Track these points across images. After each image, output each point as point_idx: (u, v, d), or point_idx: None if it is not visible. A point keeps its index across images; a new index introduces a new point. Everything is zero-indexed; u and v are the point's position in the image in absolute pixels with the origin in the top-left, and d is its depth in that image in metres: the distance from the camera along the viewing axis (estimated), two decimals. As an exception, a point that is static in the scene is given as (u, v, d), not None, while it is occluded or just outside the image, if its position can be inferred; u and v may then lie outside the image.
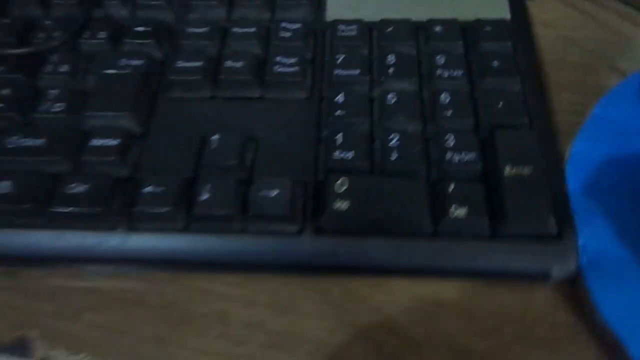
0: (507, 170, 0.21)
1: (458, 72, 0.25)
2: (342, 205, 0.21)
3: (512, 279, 0.21)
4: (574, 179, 0.23)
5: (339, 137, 0.23)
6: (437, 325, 0.21)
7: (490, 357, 0.20)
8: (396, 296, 0.22)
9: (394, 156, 0.22)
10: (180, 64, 0.26)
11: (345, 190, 0.21)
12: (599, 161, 0.23)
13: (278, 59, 0.25)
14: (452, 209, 0.20)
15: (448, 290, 0.22)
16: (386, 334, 0.21)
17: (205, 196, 0.21)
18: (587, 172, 0.23)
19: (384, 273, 0.21)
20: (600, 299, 0.20)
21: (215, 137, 0.23)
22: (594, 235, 0.21)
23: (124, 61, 0.26)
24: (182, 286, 0.22)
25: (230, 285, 0.22)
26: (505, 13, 0.28)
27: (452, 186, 0.21)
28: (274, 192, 0.21)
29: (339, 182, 0.21)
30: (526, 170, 0.21)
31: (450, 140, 0.22)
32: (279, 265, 0.21)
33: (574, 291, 0.21)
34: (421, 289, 0.22)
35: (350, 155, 0.22)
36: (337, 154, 0.22)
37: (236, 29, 0.27)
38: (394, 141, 0.22)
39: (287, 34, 0.26)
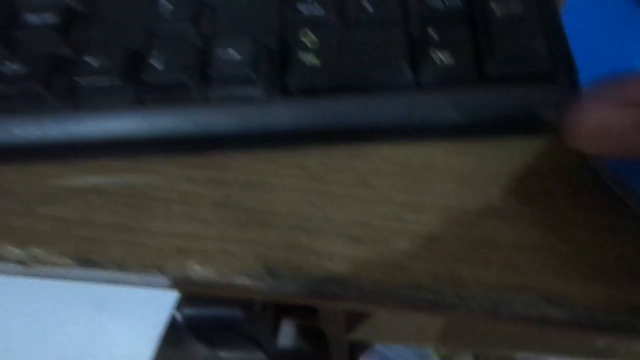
0: (494, 7, 0.18)
1: None
2: (311, 60, 0.18)
3: (505, 131, 0.19)
4: (573, 18, 0.20)
5: (306, -9, 0.20)
6: (426, 190, 0.19)
7: (483, 217, 0.18)
8: (380, 164, 0.20)
9: (368, 7, 0.19)
10: None
11: (314, 45, 0.18)
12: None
13: None
14: (435, 54, 0.18)
15: (436, 153, 0.19)
16: (370, 202, 0.19)
17: (156, 63, 0.19)
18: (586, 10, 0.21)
19: (365, 138, 0.19)
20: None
21: (165, 2, 0.21)
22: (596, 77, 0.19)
23: None
24: (142, 171, 0.20)
25: (194, 166, 0.20)
26: None
27: (433, 30, 0.18)
28: (235, 54, 0.19)
29: (307, 36, 0.19)
30: (515, 6, 0.19)
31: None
32: (248, 135, 0.19)
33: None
34: (407, 154, 0.19)
35: (318, 8, 0.19)
36: (302, 7, 0.19)
37: None
38: (367, -9, 0.20)
39: None
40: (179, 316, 0.30)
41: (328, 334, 0.42)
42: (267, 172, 0.20)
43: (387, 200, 0.19)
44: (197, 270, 0.18)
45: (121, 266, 0.19)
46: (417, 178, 0.19)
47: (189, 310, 0.29)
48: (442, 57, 0.18)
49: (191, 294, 0.30)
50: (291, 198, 0.19)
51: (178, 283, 0.18)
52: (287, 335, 0.72)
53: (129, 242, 0.19)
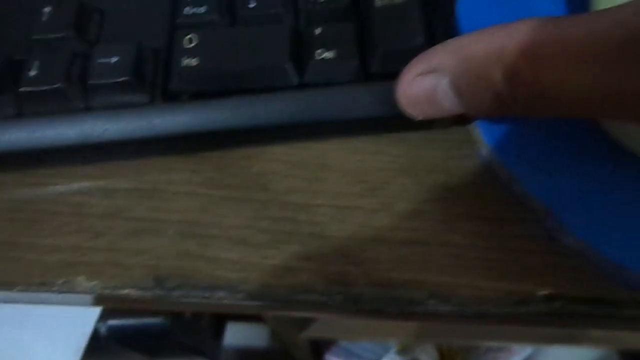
0: (377, 1, 0.18)
1: None
2: (191, 62, 0.18)
3: (395, 127, 0.19)
4: (467, 12, 0.20)
5: (190, -8, 0.20)
6: (320, 190, 0.18)
7: (375, 215, 0.18)
8: (275, 165, 0.19)
9: (252, 4, 0.19)
10: None
11: (195, 45, 0.18)
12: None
13: None
14: (319, 52, 0.18)
15: (330, 152, 0.19)
16: (265, 204, 0.18)
17: (33, 72, 0.18)
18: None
19: (254, 140, 0.19)
20: (488, 135, 0.18)
21: (47, 8, 0.20)
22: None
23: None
24: (31, 184, 0.19)
25: (86, 177, 0.19)
26: None
27: (318, 27, 0.18)
28: (114, 58, 0.18)
29: (187, 37, 0.18)
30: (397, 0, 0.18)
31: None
32: (133, 142, 0.19)
33: (462, 134, 0.18)
34: (302, 154, 0.19)
35: (201, 9, 0.19)
36: (186, 10, 0.19)
37: None
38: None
39: None
40: (103, 329, 0.29)
41: (277, 334, 0.41)
42: (159, 180, 0.19)
43: (281, 203, 0.18)
44: (84, 284, 0.17)
45: (6, 284, 0.18)
46: (312, 178, 0.19)
47: (113, 322, 0.29)
48: (326, 55, 0.17)
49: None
50: (184, 205, 0.19)
51: (65, 299, 0.18)
52: (253, 336, 0.72)
53: (14, 258, 0.18)
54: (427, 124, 0.18)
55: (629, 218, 0.16)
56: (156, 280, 0.17)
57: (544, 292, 0.16)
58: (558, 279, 0.16)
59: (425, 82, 0.15)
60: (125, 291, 0.17)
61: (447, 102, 0.15)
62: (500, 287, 0.16)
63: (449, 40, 0.16)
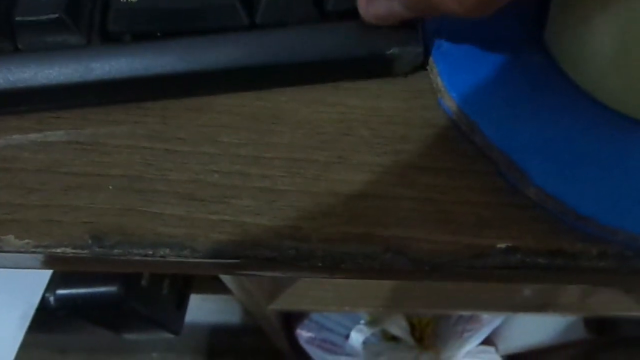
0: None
1: None
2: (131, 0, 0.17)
3: (352, 74, 0.17)
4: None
5: None
6: (272, 143, 0.17)
7: (329, 168, 0.17)
8: (224, 118, 0.18)
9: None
10: None
11: (135, -19, 0.17)
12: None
13: None
14: (270, -10, 0.16)
15: (283, 103, 0.18)
16: (213, 158, 0.17)
17: (-48, 10, 0.17)
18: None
19: (202, 87, 0.17)
20: (451, 84, 0.17)
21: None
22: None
23: None
24: (-44, 137, 0.18)
25: (18, 129, 0.18)
26: None
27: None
28: (46, -4, 0.17)
29: (126, -28, 0.17)
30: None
31: None
32: (68, 88, 0.17)
33: (423, 84, 0.18)
34: (253, 104, 0.18)
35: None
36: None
37: None
38: None
39: None
40: (52, 298, 0.28)
41: (246, 306, 0.41)
42: (99, 132, 0.18)
43: (231, 156, 0.17)
44: (14, 242, 0.16)
45: None
46: (264, 131, 0.18)
47: (62, 291, 0.27)
48: (276, -7, 0.16)
49: (65, 273, 0.28)
50: (125, 159, 0.17)
51: (-5, 259, 0.16)
52: (220, 310, 0.71)
53: (-64, 217, 0.17)
54: (387, 70, 0.17)
55: (592, 167, 0.15)
56: (94, 238, 0.16)
57: (502, 245, 0.15)
58: (517, 231, 0.16)
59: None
60: (60, 250, 0.16)
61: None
62: (458, 240, 0.16)
63: None
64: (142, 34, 0.17)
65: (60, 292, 0.28)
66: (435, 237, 0.16)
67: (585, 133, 0.15)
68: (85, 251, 0.16)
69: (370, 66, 0.17)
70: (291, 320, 0.66)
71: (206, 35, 0.16)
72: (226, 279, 0.35)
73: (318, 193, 0.16)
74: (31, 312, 0.25)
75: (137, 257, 0.16)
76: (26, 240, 0.16)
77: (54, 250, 0.16)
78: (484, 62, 0.17)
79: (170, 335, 0.35)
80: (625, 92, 0.15)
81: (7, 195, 0.17)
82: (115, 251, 0.16)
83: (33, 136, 0.18)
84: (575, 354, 0.63)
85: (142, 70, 0.16)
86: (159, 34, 0.17)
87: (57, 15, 0.16)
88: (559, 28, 0.17)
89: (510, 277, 0.16)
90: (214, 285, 0.44)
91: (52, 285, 0.28)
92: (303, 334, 0.66)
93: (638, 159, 0.15)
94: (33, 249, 0.16)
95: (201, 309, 0.72)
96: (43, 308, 0.25)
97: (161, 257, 0.16)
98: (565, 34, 0.16)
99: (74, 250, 0.16)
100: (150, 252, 0.16)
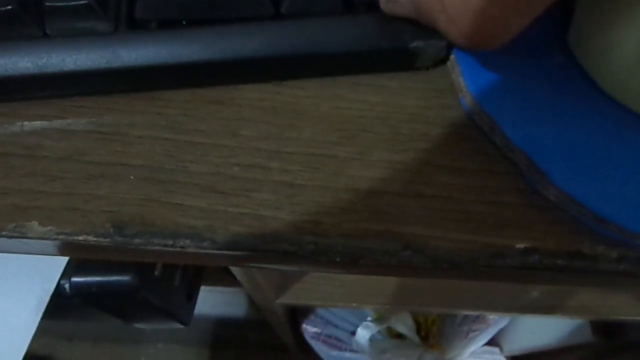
0: None
1: None
2: (159, -11, 0.17)
3: (374, 67, 0.17)
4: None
5: None
6: (293, 137, 0.17)
7: (349, 164, 0.17)
8: (245, 111, 0.18)
9: None
10: None
11: (164, -28, 0.17)
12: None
13: None
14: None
15: (304, 97, 0.18)
16: (234, 151, 0.17)
17: (-18, -3, 0.17)
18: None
19: (226, 76, 0.18)
20: (472, 83, 0.17)
21: None
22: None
23: None
24: (-19, 123, 0.18)
25: (41, 116, 0.18)
26: None
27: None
28: (74, -16, 0.17)
29: (154, -36, 0.17)
30: None
31: None
32: (96, 75, 0.17)
33: (444, 83, 0.18)
34: (274, 98, 0.18)
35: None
36: None
37: None
38: None
39: None
40: (67, 285, 0.28)
41: (255, 300, 0.41)
42: (121, 122, 0.18)
43: (251, 149, 0.17)
44: (37, 229, 0.16)
45: (-48, 228, 0.17)
46: (284, 124, 0.18)
47: (78, 279, 0.28)
48: (303, -14, 0.16)
49: (81, 261, 0.28)
50: (147, 149, 0.17)
51: (18, 245, 0.17)
52: (229, 302, 0.71)
53: (-39, 201, 0.17)
54: (410, 63, 0.17)
55: (613, 170, 0.15)
56: (115, 227, 0.16)
57: (521, 245, 0.16)
58: (536, 232, 0.16)
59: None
60: (82, 237, 0.16)
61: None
62: (477, 239, 0.16)
63: None
64: (168, 21, 0.17)
65: (75, 279, 0.28)
66: (454, 236, 0.16)
67: (607, 136, 0.15)
68: (107, 240, 0.16)
69: (393, 59, 0.17)
70: (297, 315, 0.66)
71: (231, 24, 0.16)
72: (236, 271, 0.35)
73: (337, 189, 0.17)
74: (47, 299, 0.25)
75: (157, 247, 0.16)
76: (49, 227, 0.16)
77: (76, 237, 0.16)
78: (506, 62, 0.17)
79: (179, 326, 0.35)
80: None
81: (31, 182, 0.17)
82: (136, 240, 0.16)
83: (56, 124, 0.18)
84: (581, 357, 0.63)
85: (168, 58, 0.16)
86: (184, 22, 0.17)
87: (86, 1, 0.16)
88: (583, 30, 0.17)
89: (529, 278, 0.16)
90: (222, 278, 0.44)
91: (67, 273, 0.28)
92: (309, 329, 0.66)
93: (660, 163, 0.15)
94: (55, 236, 0.16)
95: (207, 301, 0.73)
96: (58, 295, 0.25)
97: (181, 247, 0.16)
98: (590, 36, 0.16)
99: (95, 239, 0.16)
100: (170, 243, 0.16)
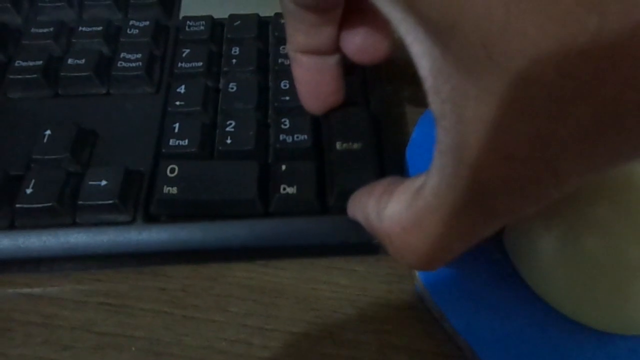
0: (338, 145, 0.21)
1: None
2: (171, 190, 0.20)
3: (346, 254, 0.21)
4: (413, 159, 0.23)
5: (177, 126, 0.22)
6: (274, 315, 0.20)
7: (321, 343, 0.20)
8: (235, 289, 0.21)
9: (229, 140, 0.22)
10: (19, 63, 0.25)
11: (176, 175, 0.21)
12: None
13: (123, 55, 0.25)
14: (283, 187, 0.20)
15: (286, 279, 0.21)
16: (223, 326, 0.20)
17: (29, 190, 0.20)
18: (425, 152, 0.24)
19: (220, 260, 0.21)
20: (424, 276, 0.20)
21: (48, 131, 0.22)
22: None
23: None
24: (6, 293, 0.21)
25: (61, 288, 0.21)
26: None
27: (284, 165, 0.21)
28: (104, 182, 0.21)
29: (169, 167, 0.21)
30: (356, 146, 0.21)
31: (286, 124, 0.22)
32: (113, 257, 0.20)
33: (404, 269, 0.21)
34: (260, 278, 0.21)
35: (184, 142, 0.22)
36: (171, 142, 0.22)
37: (83, 28, 0.26)
38: (230, 127, 0.22)
39: (135, 31, 0.26)
40: None
41: None
42: (129, 295, 0.21)
43: (238, 325, 0.20)
44: (45, 397, 0.19)
45: (-29, 393, 0.19)
46: (268, 303, 0.21)
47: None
48: (289, 190, 0.20)
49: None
50: (149, 322, 0.20)
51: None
52: None
53: (-18, 367, 0.19)
54: (373, 252, 0.21)
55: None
56: (114, 397, 0.18)
57: None
58: (480, 415, 0.18)
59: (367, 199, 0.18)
60: (84, 406, 0.18)
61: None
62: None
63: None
64: (174, 216, 0.21)
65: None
66: (409, 417, 0.18)
67: (535, 332, 0.18)
68: (105, 409, 0.18)
69: (360, 249, 0.21)
70: None
71: (228, 220, 0.20)
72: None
73: (310, 366, 0.19)
74: None
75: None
76: (55, 396, 0.18)
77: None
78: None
79: None
80: (566, 299, 0.18)
81: (44, 350, 0.20)
82: (131, 410, 0.18)
83: (73, 295, 0.21)
84: None
85: (175, 244, 0.20)
86: (188, 217, 0.21)
87: (112, 201, 0.20)
88: (511, 233, 0.20)
89: None
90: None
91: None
92: None
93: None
94: (60, 404, 0.18)
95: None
96: None
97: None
98: (514, 239, 0.20)
99: (95, 408, 0.18)
100: (161, 415, 0.18)
